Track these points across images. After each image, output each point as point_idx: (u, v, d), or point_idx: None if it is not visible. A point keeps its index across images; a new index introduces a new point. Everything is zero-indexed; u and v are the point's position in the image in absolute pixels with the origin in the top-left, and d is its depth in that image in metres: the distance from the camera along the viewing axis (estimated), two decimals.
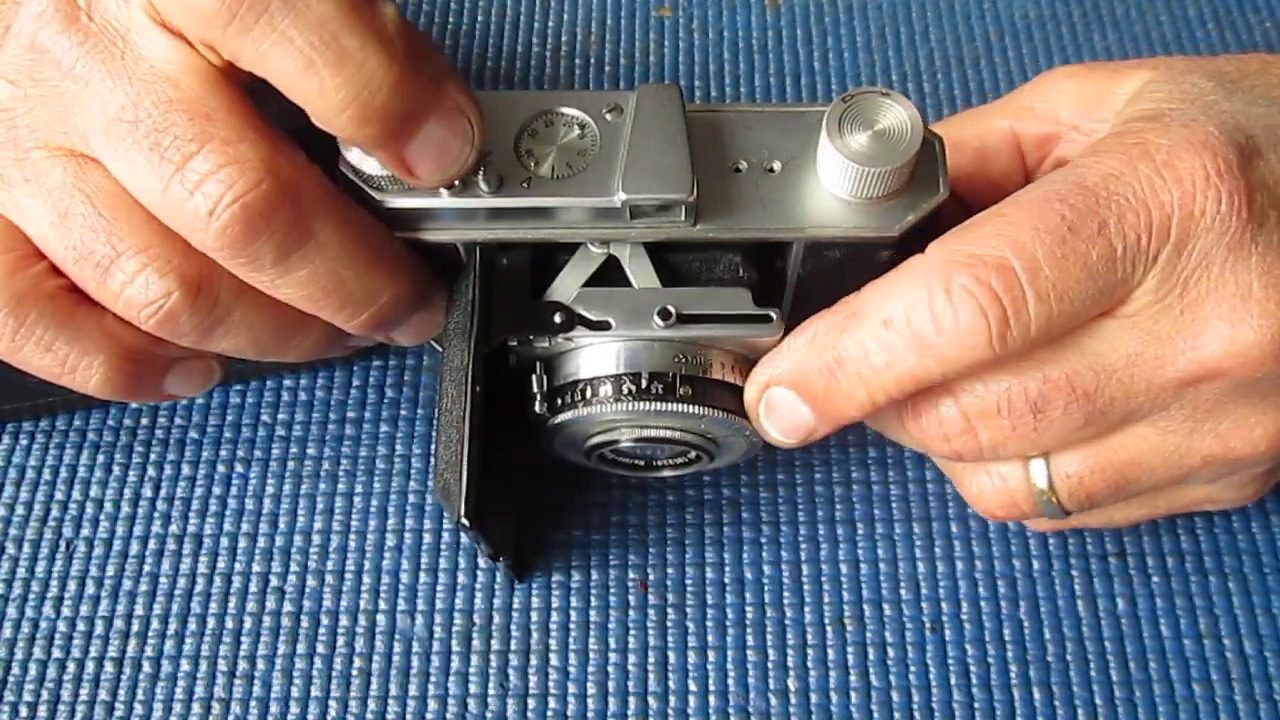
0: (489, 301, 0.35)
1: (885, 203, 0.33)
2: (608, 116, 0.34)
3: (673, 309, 0.34)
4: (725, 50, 0.54)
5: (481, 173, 0.33)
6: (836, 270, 0.35)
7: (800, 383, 0.34)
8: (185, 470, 0.43)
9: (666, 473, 0.41)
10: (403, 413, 0.45)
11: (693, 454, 0.39)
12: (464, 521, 0.32)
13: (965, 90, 0.53)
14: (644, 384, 0.35)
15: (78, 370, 0.33)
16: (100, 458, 0.44)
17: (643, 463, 0.40)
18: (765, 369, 0.35)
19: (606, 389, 0.35)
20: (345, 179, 0.33)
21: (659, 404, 0.35)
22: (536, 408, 0.36)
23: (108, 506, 0.42)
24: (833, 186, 0.33)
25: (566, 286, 0.35)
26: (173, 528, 0.42)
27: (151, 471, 0.43)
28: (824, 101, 0.35)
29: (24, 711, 0.38)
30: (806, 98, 0.52)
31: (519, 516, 0.41)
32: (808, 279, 0.36)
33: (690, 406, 0.35)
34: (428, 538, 0.42)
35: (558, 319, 0.34)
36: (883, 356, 0.32)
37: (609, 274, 0.35)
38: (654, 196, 0.33)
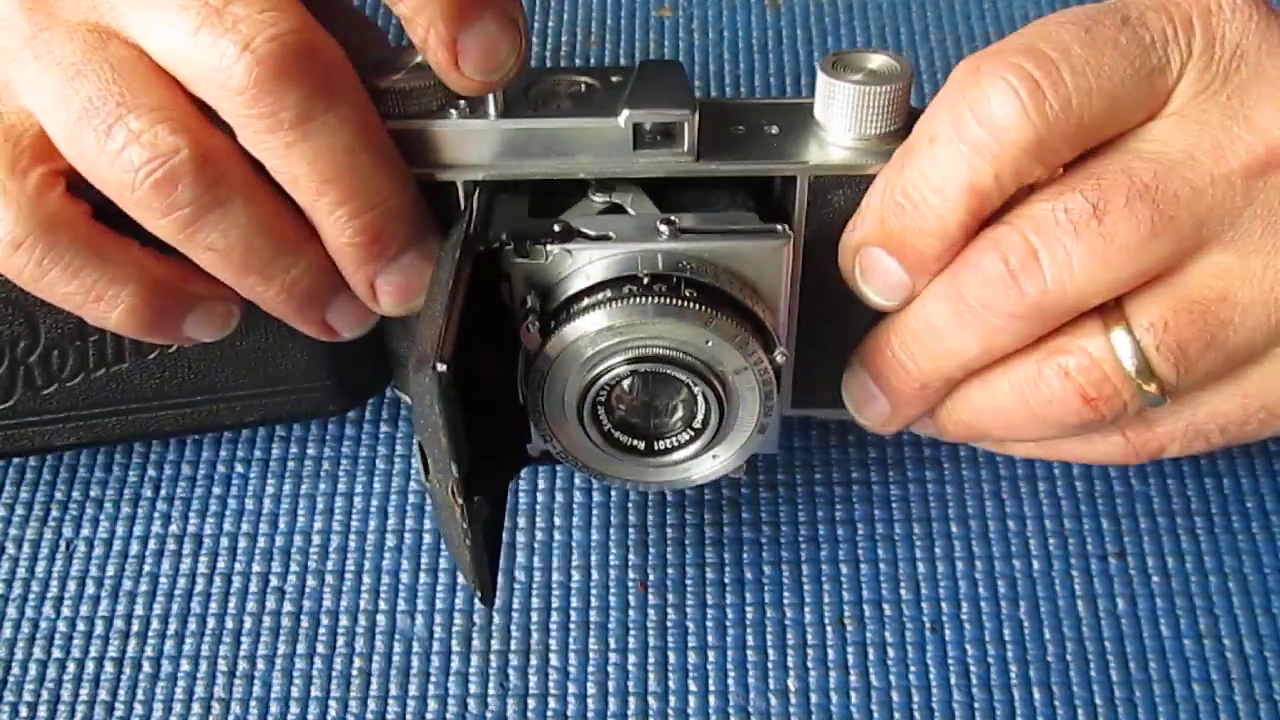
0: (488, 216, 0.34)
1: (885, 144, 0.34)
2: (613, 79, 0.35)
3: (676, 219, 0.34)
4: (725, 50, 0.54)
5: (492, 99, 0.33)
6: (844, 219, 0.35)
7: (882, 233, 0.34)
8: (185, 470, 0.43)
9: (674, 455, 0.36)
10: (403, 413, 0.45)
11: (700, 415, 0.35)
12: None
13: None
14: (646, 282, 0.32)
15: (103, 299, 0.33)
16: (100, 458, 0.44)
17: (644, 444, 0.36)
18: (851, 233, 0.35)
19: (605, 293, 0.33)
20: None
21: (662, 300, 0.32)
22: (528, 328, 0.33)
23: (108, 506, 0.42)
24: (833, 135, 0.34)
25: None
26: (173, 528, 0.42)
27: (151, 471, 0.43)
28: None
29: (24, 711, 0.38)
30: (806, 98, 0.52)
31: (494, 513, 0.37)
32: (815, 239, 0.36)
33: (697, 306, 0.32)
34: (428, 538, 0.42)
35: (556, 228, 0.33)
36: (937, 172, 0.32)
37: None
38: (657, 113, 0.33)
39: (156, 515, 0.42)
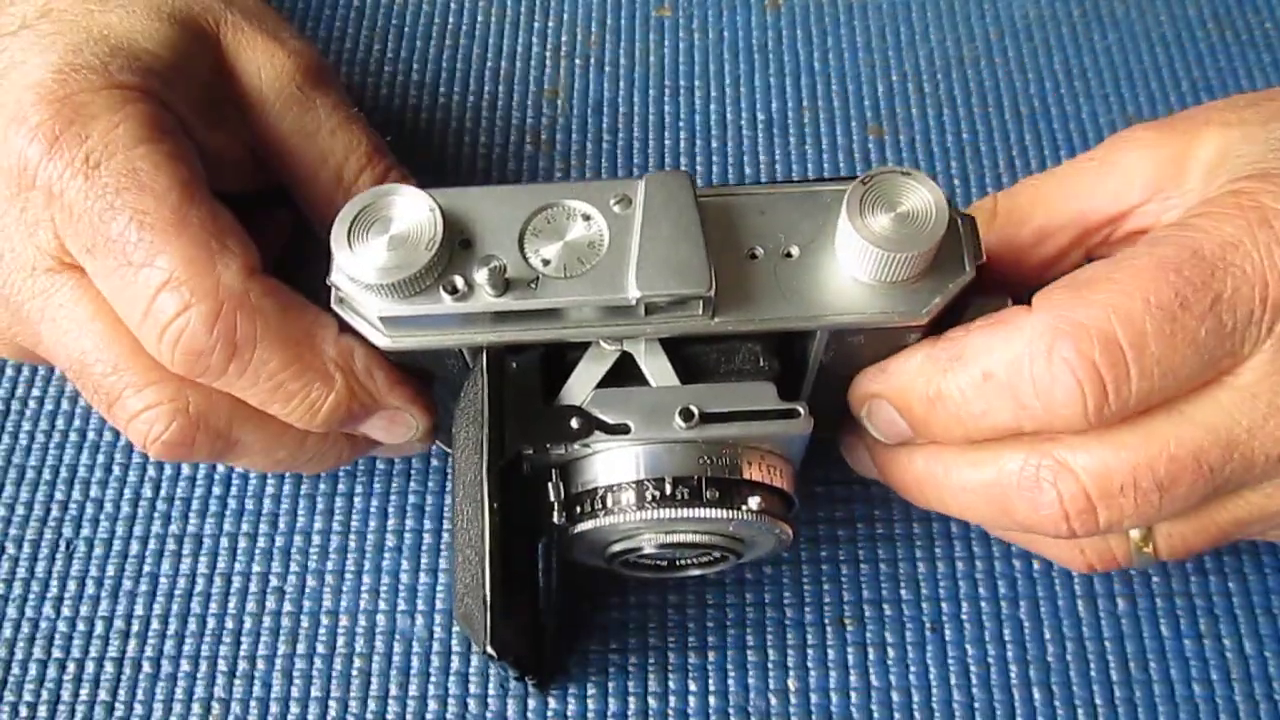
0: (500, 410, 0.33)
1: (910, 285, 0.32)
2: (615, 208, 0.33)
3: (695, 409, 0.33)
4: (725, 50, 0.54)
5: (486, 275, 0.31)
6: (860, 352, 0.34)
7: (902, 405, 0.34)
8: (185, 470, 0.43)
9: (692, 572, 0.38)
10: None
11: (718, 553, 0.36)
12: (490, 652, 0.31)
13: (965, 90, 0.53)
14: (668, 489, 0.33)
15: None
16: (100, 458, 0.44)
17: (666, 563, 0.37)
18: (872, 383, 0.35)
19: (629, 496, 0.33)
20: (337, 291, 0.33)
21: (684, 510, 0.33)
22: (554, 518, 0.34)
23: (108, 506, 0.42)
24: (854, 270, 0.32)
25: (580, 387, 0.33)
26: (173, 528, 0.42)
27: (151, 471, 0.43)
28: (841, 178, 0.34)
29: (24, 711, 0.38)
30: (806, 98, 0.52)
31: (537, 614, 0.38)
32: (831, 363, 0.35)
33: (718, 511, 0.33)
34: (428, 538, 0.42)
35: (574, 424, 0.33)
36: (980, 405, 0.32)
37: (624, 370, 0.34)
38: (670, 292, 0.31)
39: (156, 515, 0.42)
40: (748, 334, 0.34)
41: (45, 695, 0.39)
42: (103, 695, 0.39)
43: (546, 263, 0.32)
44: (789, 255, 0.33)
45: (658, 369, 0.34)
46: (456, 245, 0.32)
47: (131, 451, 0.44)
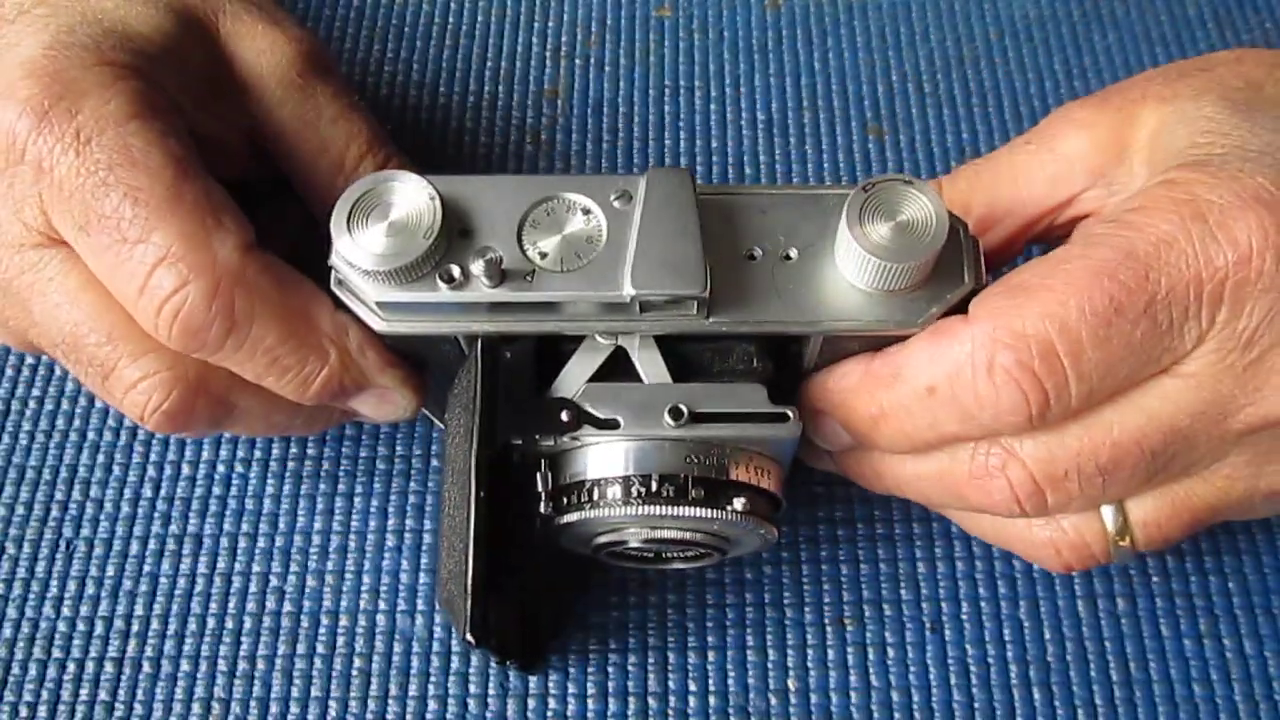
0: (493, 399, 0.33)
1: (907, 294, 0.32)
2: (615, 204, 0.33)
3: (684, 408, 0.33)
4: (725, 50, 0.54)
5: (483, 266, 0.31)
6: (853, 356, 0.34)
7: (846, 420, 0.35)
8: (185, 470, 0.43)
9: (676, 565, 0.38)
10: None
11: (703, 550, 0.36)
12: (468, 639, 0.31)
13: (965, 90, 0.53)
14: (654, 486, 0.33)
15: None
16: (100, 458, 0.44)
17: (651, 555, 0.37)
18: (816, 395, 0.35)
19: (615, 491, 0.33)
20: (336, 273, 0.33)
21: (670, 508, 0.33)
22: (541, 507, 0.34)
23: (108, 506, 0.42)
24: (852, 277, 0.32)
25: (573, 380, 0.34)
26: (173, 528, 0.42)
27: (151, 471, 0.43)
28: (843, 184, 0.34)
29: (24, 711, 0.38)
30: (806, 98, 0.52)
31: (524, 600, 0.38)
32: (824, 365, 0.35)
33: (703, 510, 0.33)
34: (428, 538, 0.42)
35: (564, 417, 0.33)
36: (925, 418, 0.33)
37: (617, 365, 0.34)
38: (664, 292, 0.32)
39: (156, 515, 0.42)
40: (742, 335, 0.33)
41: (45, 695, 0.39)
42: (103, 695, 0.39)
43: (544, 255, 0.32)
44: (788, 258, 0.33)
45: (651, 365, 0.34)
46: (455, 234, 0.32)
47: (131, 451, 0.44)
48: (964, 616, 0.40)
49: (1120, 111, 0.35)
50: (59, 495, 0.43)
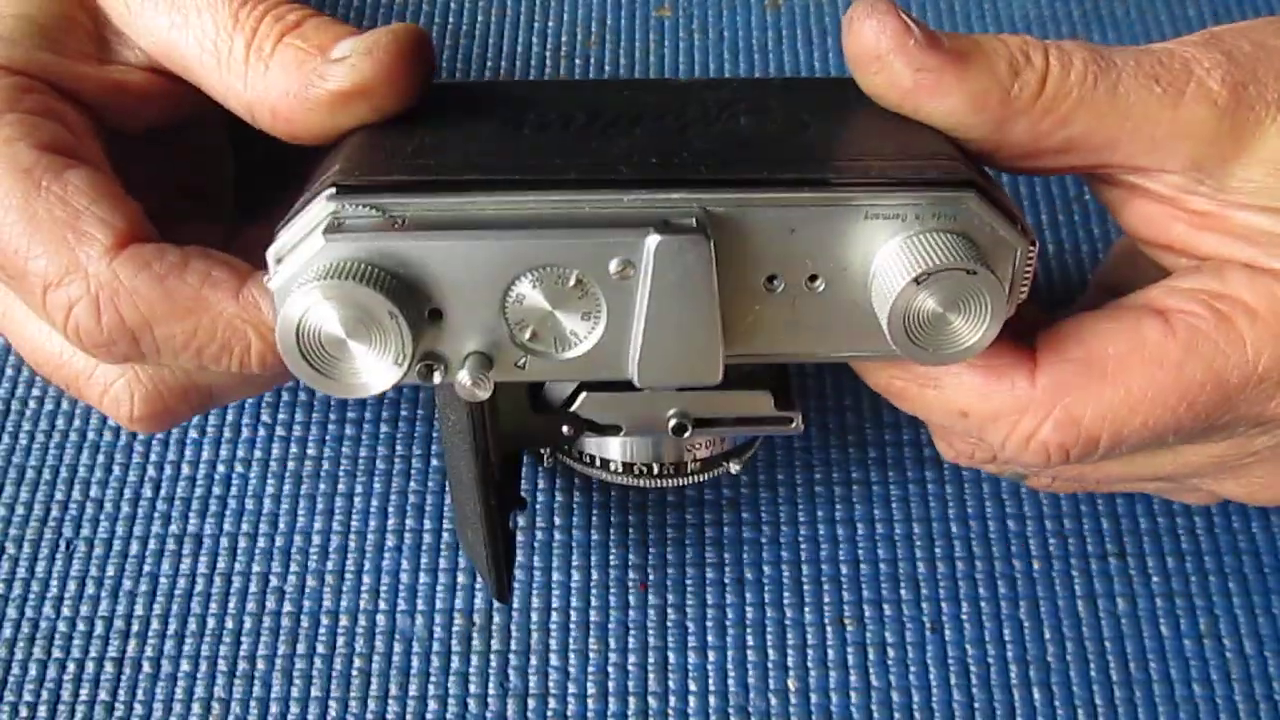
0: (485, 426, 0.32)
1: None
2: (615, 277, 0.27)
3: (688, 422, 0.32)
4: (725, 50, 0.54)
5: (468, 376, 0.28)
6: None
7: (863, 369, 0.34)
8: (185, 470, 0.43)
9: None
10: (403, 413, 0.45)
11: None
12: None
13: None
14: (657, 470, 0.34)
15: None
16: (100, 458, 0.44)
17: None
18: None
19: (614, 466, 0.35)
20: None
21: (673, 480, 0.34)
22: (545, 463, 0.36)
23: (108, 506, 0.42)
24: (880, 319, 0.28)
25: (567, 384, 0.33)
26: (173, 528, 0.42)
27: (151, 471, 0.43)
28: (886, 184, 0.28)
29: (24, 711, 0.38)
30: None
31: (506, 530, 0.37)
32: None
33: (700, 476, 0.34)
34: (428, 538, 0.42)
35: (565, 430, 0.32)
36: (944, 422, 0.33)
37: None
38: (675, 384, 0.29)
39: (156, 515, 0.42)
40: (755, 363, 0.32)
41: (45, 695, 0.39)
42: (103, 695, 0.39)
43: (534, 338, 0.28)
44: (812, 284, 0.28)
45: None
46: (426, 319, 0.28)
47: (131, 451, 0.44)
48: (964, 616, 0.40)
49: (1251, 112, 0.30)
50: (59, 495, 0.43)
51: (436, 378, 0.28)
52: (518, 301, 0.27)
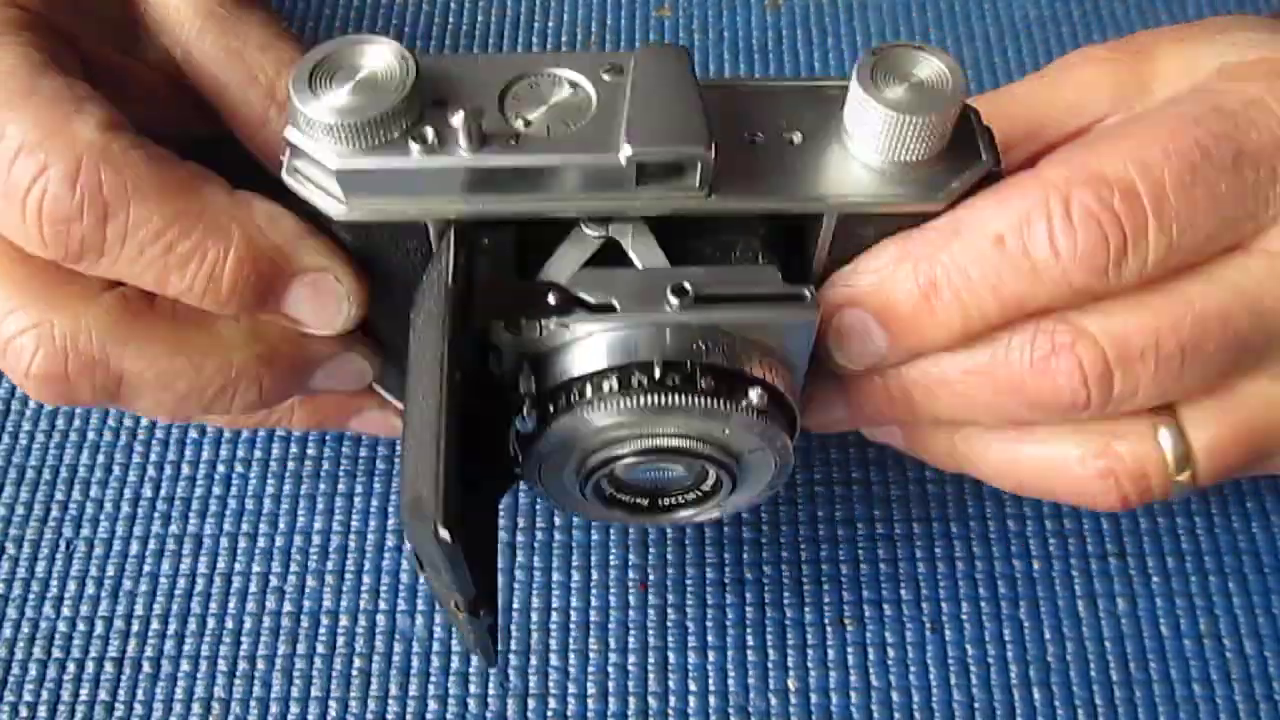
0: (469, 281, 0.29)
1: (923, 169, 0.29)
2: (605, 76, 0.29)
3: (689, 286, 0.29)
4: (725, 50, 0.54)
5: (462, 119, 0.28)
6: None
7: (885, 306, 0.31)
8: (185, 470, 0.43)
9: (678, 513, 0.34)
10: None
11: (709, 481, 0.33)
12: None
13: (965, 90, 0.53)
14: (657, 373, 0.28)
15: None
16: (100, 458, 0.44)
17: (647, 501, 0.34)
18: (841, 288, 0.31)
19: (611, 382, 0.29)
20: (290, 154, 0.29)
21: (676, 396, 0.28)
22: (524, 415, 0.29)
23: (108, 506, 0.42)
24: (864, 152, 0.29)
25: (560, 269, 0.30)
26: (173, 528, 0.42)
27: (151, 471, 0.43)
28: (844, 77, 0.30)
29: (24, 711, 0.38)
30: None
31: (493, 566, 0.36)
32: (835, 267, 0.32)
33: (714, 401, 0.29)
34: None
35: (552, 300, 0.29)
36: (989, 279, 0.29)
37: (608, 259, 0.30)
38: (665, 149, 0.28)
39: (156, 515, 0.42)
40: (747, 215, 0.30)
41: (45, 695, 0.39)
42: (103, 695, 0.39)
43: (528, 124, 0.29)
44: (792, 141, 0.30)
45: (647, 255, 0.30)
46: (430, 103, 0.29)
47: (131, 451, 0.44)
48: (964, 616, 0.40)
49: (1138, 52, 0.33)
50: (59, 495, 0.43)
51: (429, 136, 0.28)
52: (515, 96, 0.29)
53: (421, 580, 0.41)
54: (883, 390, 0.34)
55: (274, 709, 0.38)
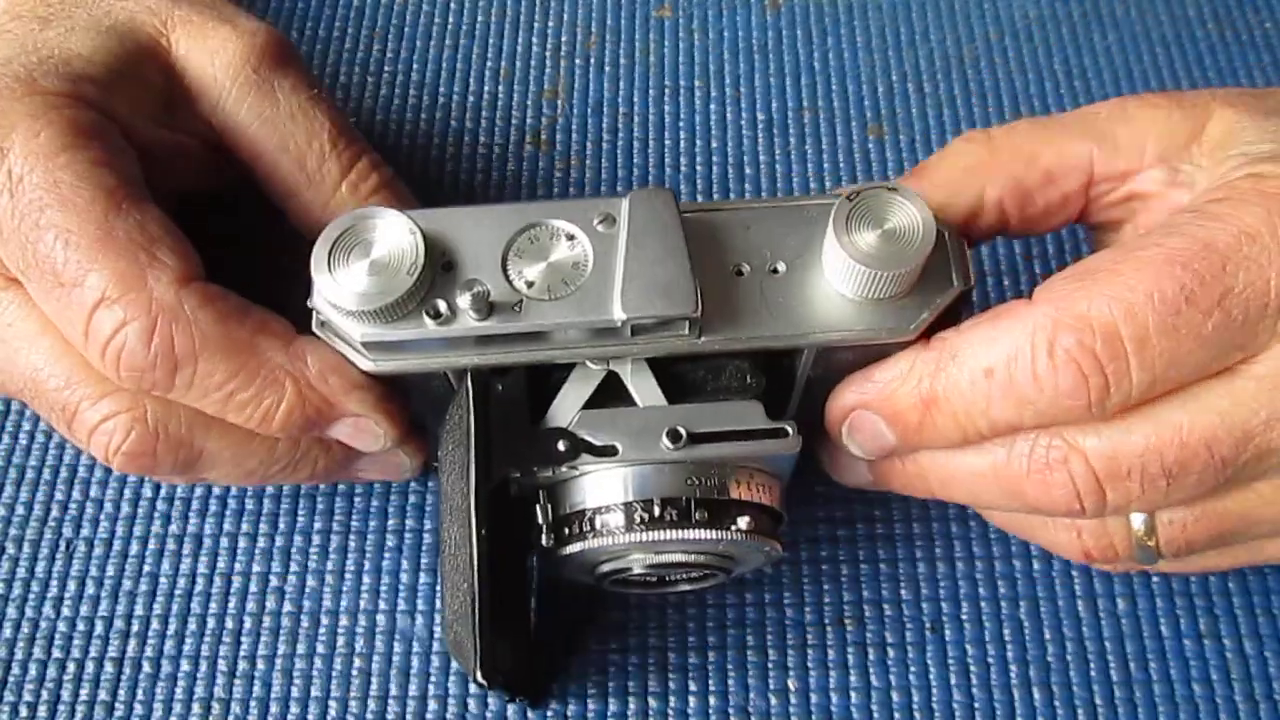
0: (487, 433, 0.33)
1: (898, 301, 0.32)
2: (599, 228, 0.33)
3: (682, 429, 0.32)
4: (725, 50, 0.54)
5: (470, 300, 0.31)
6: (847, 368, 0.34)
7: (892, 413, 0.34)
8: None
9: (681, 588, 0.38)
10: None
11: (708, 571, 0.36)
12: (480, 681, 0.31)
13: (965, 90, 0.53)
14: (656, 512, 0.33)
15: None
16: None
17: (655, 580, 0.37)
18: (854, 393, 0.34)
19: (617, 518, 0.33)
20: (318, 315, 0.33)
21: (673, 532, 0.33)
22: (543, 540, 0.34)
23: (108, 506, 0.42)
24: (841, 287, 0.32)
25: (566, 408, 0.33)
26: (173, 528, 0.42)
27: None
28: (826, 195, 0.34)
29: (24, 711, 0.38)
30: (807, 98, 0.52)
31: (528, 632, 0.38)
32: (818, 378, 0.35)
33: (707, 532, 0.33)
34: (428, 538, 0.42)
35: (561, 447, 0.32)
36: (980, 403, 0.32)
37: (610, 390, 0.34)
38: (656, 314, 0.31)
39: (156, 515, 0.42)
40: (735, 352, 0.33)
41: (45, 695, 0.39)
42: (103, 695, 0.39)
43: (530, 284, 0.32)
44: (775, 272, 0.33)
45: (644, 388, 0.34)
46: (438, 268, 0.32)
47: None
48: (964, 616, 0.40)
49: (1194, 106, 0.34)
50: (59, 495, 0.43)
51: (441, 309, 0.32)
52: (517, 254, 0.32)
53: (422, 580, 0.41)
54: (900, 470, 0.37)
55: (274, 709, 0.38)
